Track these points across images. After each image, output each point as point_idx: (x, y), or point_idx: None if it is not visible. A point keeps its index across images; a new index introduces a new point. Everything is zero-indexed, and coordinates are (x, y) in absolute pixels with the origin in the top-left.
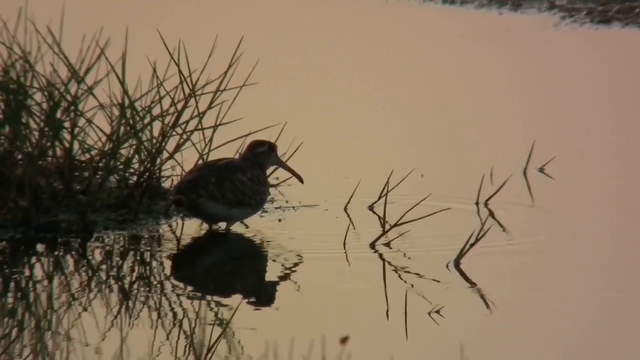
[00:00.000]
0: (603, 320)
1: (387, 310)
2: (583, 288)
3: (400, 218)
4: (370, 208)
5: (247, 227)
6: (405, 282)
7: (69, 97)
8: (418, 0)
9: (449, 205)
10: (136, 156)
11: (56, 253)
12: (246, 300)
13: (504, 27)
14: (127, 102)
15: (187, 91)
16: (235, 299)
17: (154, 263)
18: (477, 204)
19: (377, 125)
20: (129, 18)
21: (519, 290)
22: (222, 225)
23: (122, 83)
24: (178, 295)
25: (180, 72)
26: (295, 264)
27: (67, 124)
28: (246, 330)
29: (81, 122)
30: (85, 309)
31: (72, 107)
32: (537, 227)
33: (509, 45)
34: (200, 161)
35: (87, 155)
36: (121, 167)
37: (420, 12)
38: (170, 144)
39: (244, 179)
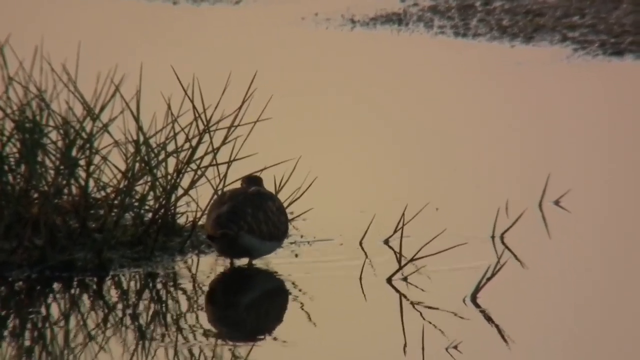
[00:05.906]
0: (623, 354)
1: (405, 346)
2: (602, 322)
3: (417, 253)
4: (386, 242)
5: (262, 263)
6: (422, 317)
7: (84, 135)
8: (430, 33)
9: (464, 239)
10: (151, 193)
11: (72, 292)
12: (262, 336)
13: (516, 60)
14: (141, 138)
15: (201, 127)
16: (251, 335)
17: (170, 301)
18: (492, 237)
19: (391, 159)
20: (144, 55)
21: (536, 324)
22: (244, 261)
23: (136, 120)
24: (194, 333)
25: (194, 108)
26: (311, 299)
27: (82, 162)
28: None
29: (96, 159)
30: (102, 348)
31: (88, 145)
32: (553, 260)
33: (520, 78)
34: (220, 193)
35: (103, 193)
36: (136, 204)
37: (432, 45)
38: (185, 180)
39: (274, 208)
